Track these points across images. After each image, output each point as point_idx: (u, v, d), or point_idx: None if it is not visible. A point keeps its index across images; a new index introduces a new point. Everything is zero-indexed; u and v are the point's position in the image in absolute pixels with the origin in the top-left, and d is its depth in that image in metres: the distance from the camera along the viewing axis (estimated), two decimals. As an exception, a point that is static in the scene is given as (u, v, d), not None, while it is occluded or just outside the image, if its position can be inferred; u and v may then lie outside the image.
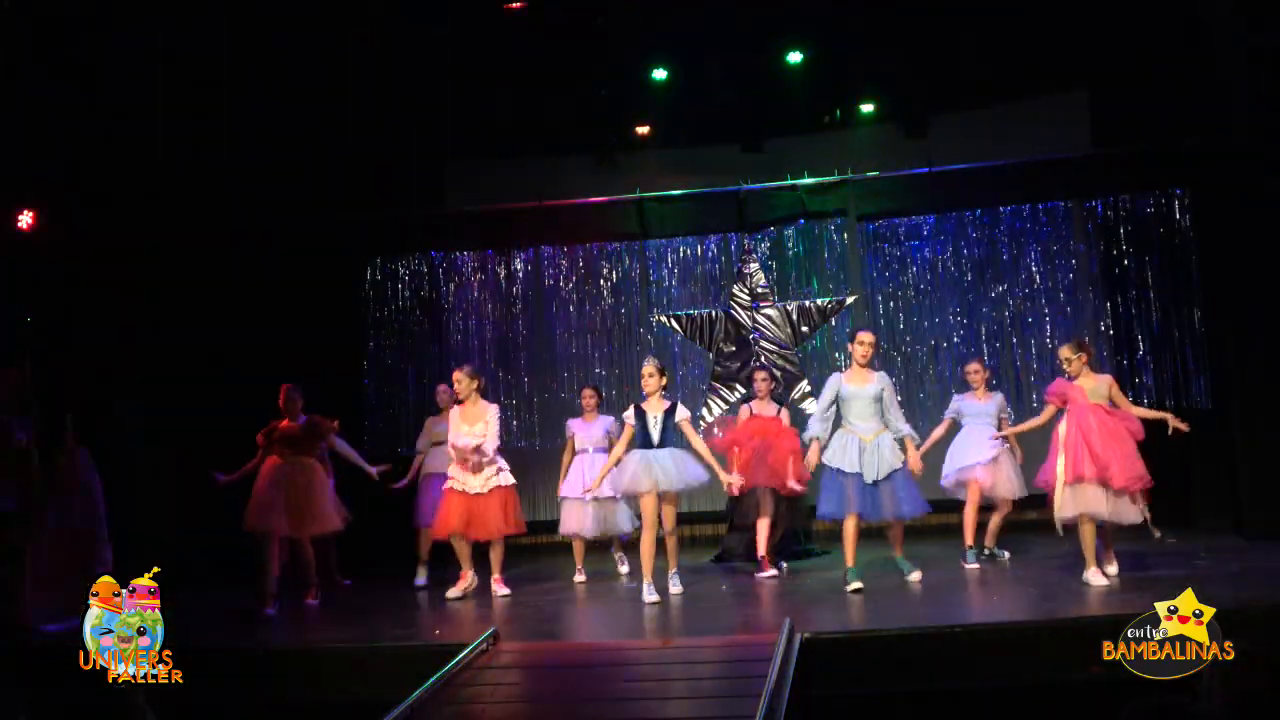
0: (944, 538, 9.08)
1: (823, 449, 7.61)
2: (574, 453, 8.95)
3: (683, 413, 7.82)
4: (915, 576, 7.71)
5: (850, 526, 7.54)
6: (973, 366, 8.75)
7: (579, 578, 8.82)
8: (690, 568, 8.21)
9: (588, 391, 9.12)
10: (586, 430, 8.93)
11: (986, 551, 8.58)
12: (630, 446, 7.84)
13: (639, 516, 7.96)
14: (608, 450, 8.53)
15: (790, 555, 9.05)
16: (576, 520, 8.80)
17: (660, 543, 7.75)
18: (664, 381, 7.85)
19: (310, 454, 8.39)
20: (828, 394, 7.65)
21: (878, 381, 7.60)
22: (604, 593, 8.50)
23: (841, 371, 7.88)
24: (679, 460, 7.67)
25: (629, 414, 7.87)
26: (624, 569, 9.06)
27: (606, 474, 7.95)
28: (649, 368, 7.86)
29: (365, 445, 10.07)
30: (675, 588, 7.81)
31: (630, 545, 8.88)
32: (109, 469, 8.18)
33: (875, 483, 7.46)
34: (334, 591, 8.76)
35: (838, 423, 7.67)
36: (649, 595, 7.55)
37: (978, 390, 8.63)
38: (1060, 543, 7.83)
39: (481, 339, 11.39)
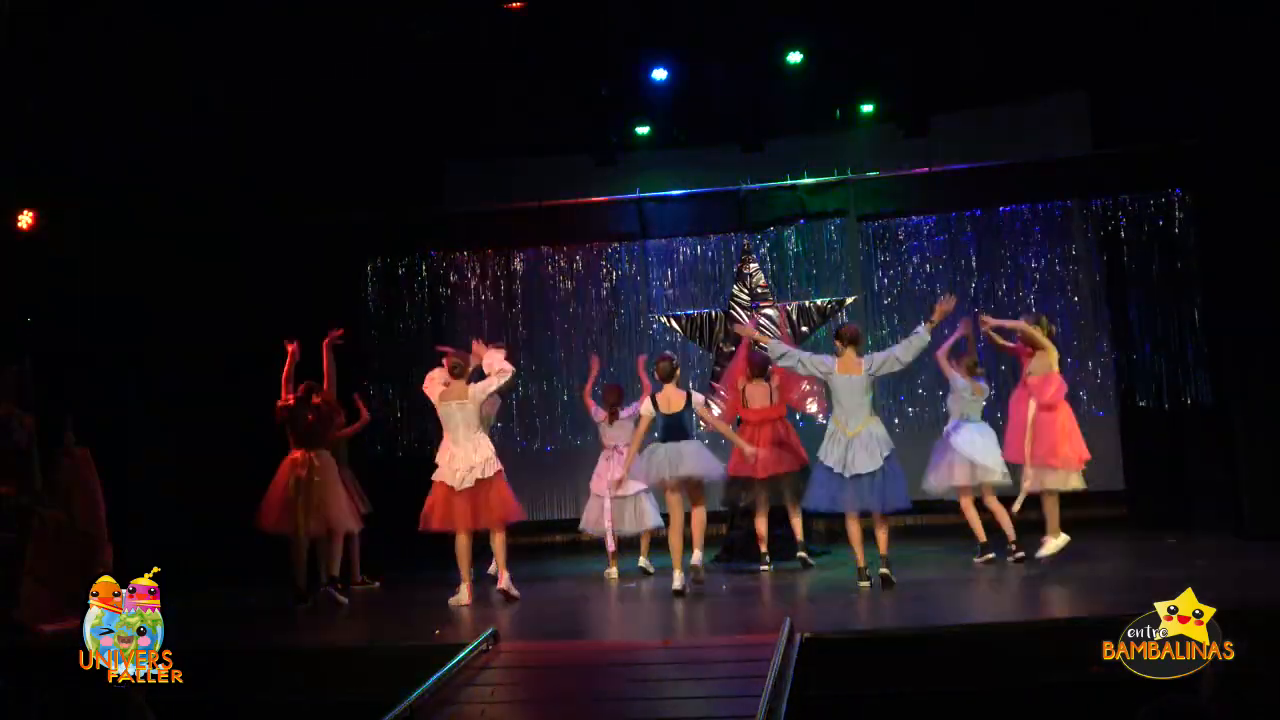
0: (944, 538, 9.08)
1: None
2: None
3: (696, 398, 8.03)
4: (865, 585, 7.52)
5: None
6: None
7: (611, 572, 8.86)
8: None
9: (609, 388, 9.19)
10: (611, 428, 8.99)
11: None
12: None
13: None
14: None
15: (789, 555, 9.04)
16: (595, 519, 8.93)
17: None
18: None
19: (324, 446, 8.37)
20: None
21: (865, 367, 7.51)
22: (605, 593, 8.50)
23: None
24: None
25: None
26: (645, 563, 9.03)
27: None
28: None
29: (366, 445, 10.07)
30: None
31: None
32: (109, 469, 8.17)
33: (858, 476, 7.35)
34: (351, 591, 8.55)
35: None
36: (678, 584, 7.67)
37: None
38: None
39: (481, 339, 11.35)
